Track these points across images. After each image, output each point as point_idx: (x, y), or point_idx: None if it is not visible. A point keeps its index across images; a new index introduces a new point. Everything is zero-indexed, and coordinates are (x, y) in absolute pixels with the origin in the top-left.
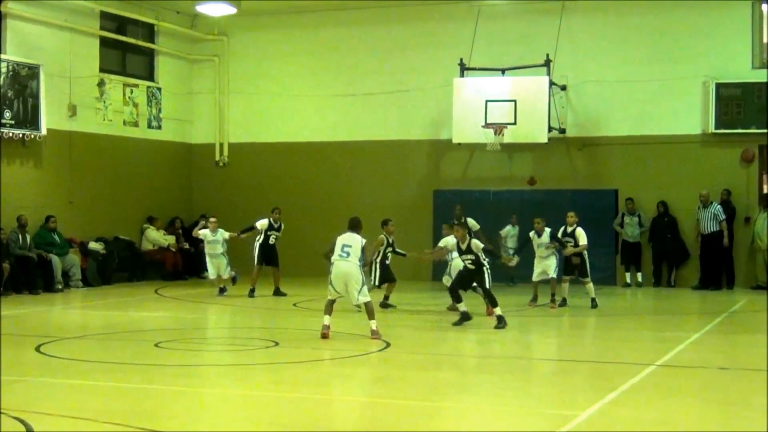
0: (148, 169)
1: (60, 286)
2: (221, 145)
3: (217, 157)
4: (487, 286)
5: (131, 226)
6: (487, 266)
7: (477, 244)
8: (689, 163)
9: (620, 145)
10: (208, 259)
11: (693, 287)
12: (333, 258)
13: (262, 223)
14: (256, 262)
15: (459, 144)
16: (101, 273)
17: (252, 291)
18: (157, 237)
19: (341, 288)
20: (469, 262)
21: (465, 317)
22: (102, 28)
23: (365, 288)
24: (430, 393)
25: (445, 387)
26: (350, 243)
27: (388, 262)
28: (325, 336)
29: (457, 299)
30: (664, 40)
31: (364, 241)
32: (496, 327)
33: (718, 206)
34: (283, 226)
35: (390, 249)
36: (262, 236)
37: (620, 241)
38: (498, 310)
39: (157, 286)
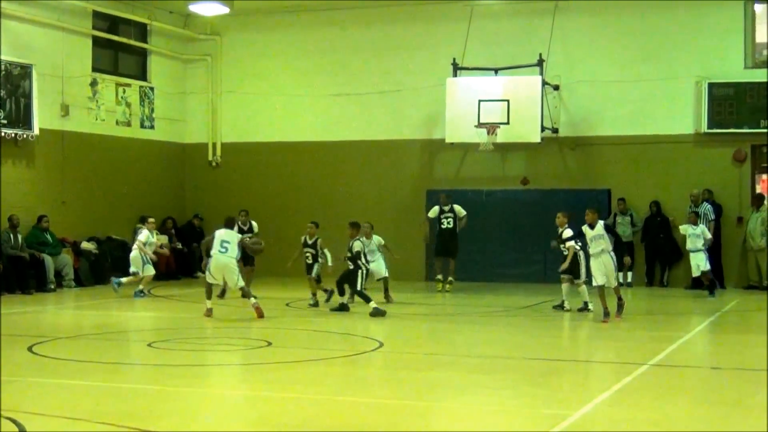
0: (140, 169)
1: (52, 286)
2: (214, 145)
3: (210, 157)
4: (358, 287)
5: (124, 226)
6: (363, 267)
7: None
8: (682, 162)
9: (613, 145)
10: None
11: (685, 287)
12: (212, 252)
13: None
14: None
15: (452, 144)
16: (94, 273)
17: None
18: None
19: (219, 278)
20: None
21: (343, 307)
22: (94, 27)
23: (239, 277)
24: (423, 393)
25: (438, 387)
26: (228, 239)
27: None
28: (209, 316)
29: (341, 292)
30: (657, 39)
31: (240, 236)
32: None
33: (709, 206)
34: (255, 225)
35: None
36: None
37: (612, 241)
38: (373, 305)
39: (150, 286)
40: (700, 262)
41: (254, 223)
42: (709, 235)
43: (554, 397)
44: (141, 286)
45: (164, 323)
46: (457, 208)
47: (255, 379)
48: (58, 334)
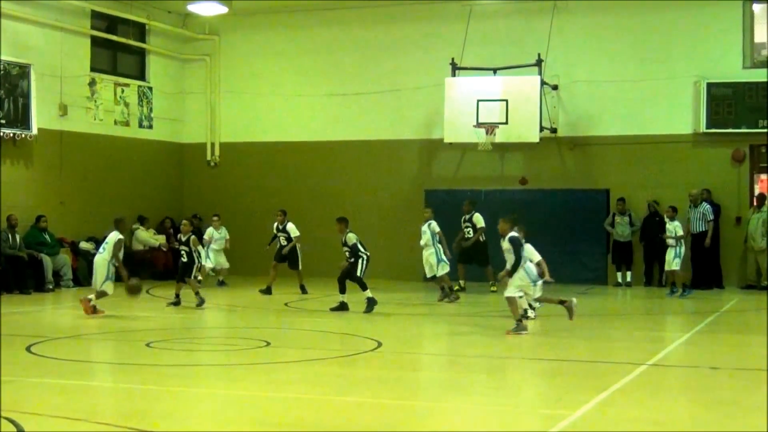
0: (139, 169)
1: (51, 286)
2: (212, 144)
3: (209, 157)
4: (358, 273)
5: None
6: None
7: (351, 238)
8: (680, 162)
9: (611, 145)
10: (211, 254)
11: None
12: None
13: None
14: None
15: (450, 144)
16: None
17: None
18: (146, 237)
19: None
20: (348, 252)
21: (343, 306)
22: (93, 27)
23: (108, 282)
24: (421, 393)
25: (436, 387)
26: (108, 240)
27: (183, 259)
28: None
29: (341, 290)
30: (656, 39)
31: (119, 237)
32: (365, 310)
33: (708, 206)
34: (292, 228)
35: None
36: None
37: (611, 240)
38: (367, 293)
39: (148, 286)
40: (669, 258)
41: (291, 225)
42: (680, 232)
43: (553, 397)
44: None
45: (162, 323)
46: (476, 218)
47: (253, 380)
48: (57, 334)
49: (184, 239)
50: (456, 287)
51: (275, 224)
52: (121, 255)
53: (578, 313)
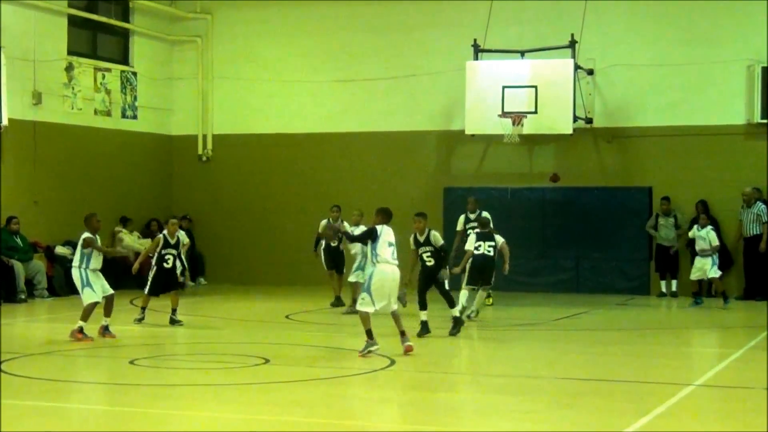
0: (122, 164)
1: (23, 296)
2: (204, 137)
3: (200, 151)
4: (447, 285)
5: (103, 229)
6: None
7: (437, 236)
8: (733, 157)
9: (654, 137)
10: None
11: (736, 297)
12: None
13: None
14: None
15: (473, 135)
16: (69, 281)
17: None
18: (130, 242)
19: None
20: (428, 255)
21: (424, 328)
22: (70, 5)
23: (86, 290)
24: (439, 417)
25: (456, 410)
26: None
27: (166, 265)
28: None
29: (422, 305)
30: (704, 18)
31: (84, 235)
32: (451, 333)
33: (763, 206)
34: (345, 225)
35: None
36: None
37: (654, 245)
38: (456, 312)
39: (133, 296)
40: (706, 267)
41: (346, 223)
42: (716, 242)
43: (587, 422)
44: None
45: (148, 338)
46: (485, 216)
47: (250, 401)
48: (30, 350)
49: (172, 242)
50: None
51: (327, 221)
52: (90, 252)
53: (614, 326)
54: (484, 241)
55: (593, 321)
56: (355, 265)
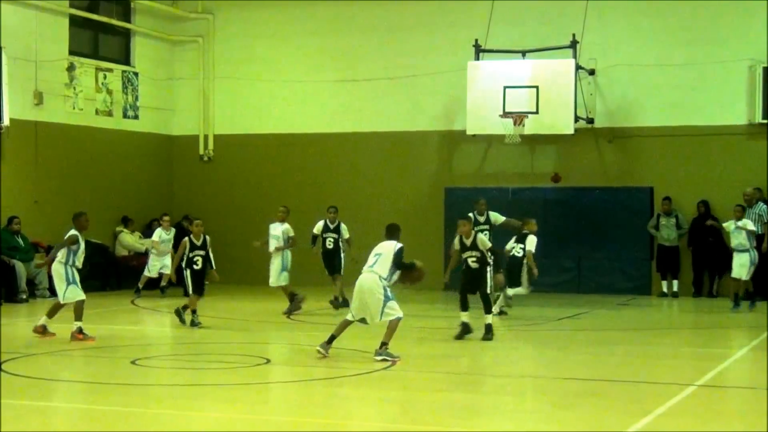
0: (123, 164)
1: (24, 296)
2: (206, 137)
3: (201, 151)
4: (488, 290)
5: (104, 229)
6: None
7: (483, 240)
8: (734, 157)
9: (656, 137)
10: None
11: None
12: None
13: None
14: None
15: (474, 136)
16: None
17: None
18: (131, 242)
19: None
20: (474, 260)
21: (465, 329)
22: (71, 5)
23: (71, 287)
24: (442, 417)
25: (459, 410)
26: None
27: (196, 267)
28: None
29: (463, 306)
30: (706, 18)
31: (70, 233)
32: (484, 338)
33: (764, 206)
34: (345, 229)
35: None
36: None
37: (656, 245)
38: (489, 318)
39: (133, 296)
40: (745, 263)
41: (344, 226)
42: (751, 226)
43: (588, 423)
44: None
45: (150, 338)
46: (493, 216)
47: (251, 401)
48: (31, 350)
49: (199, 243)
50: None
51: (323, 223)
52: (78, 250)
53: (618, 327)
54: (517, 243)
55: (594, 321)
56: (276, 269)
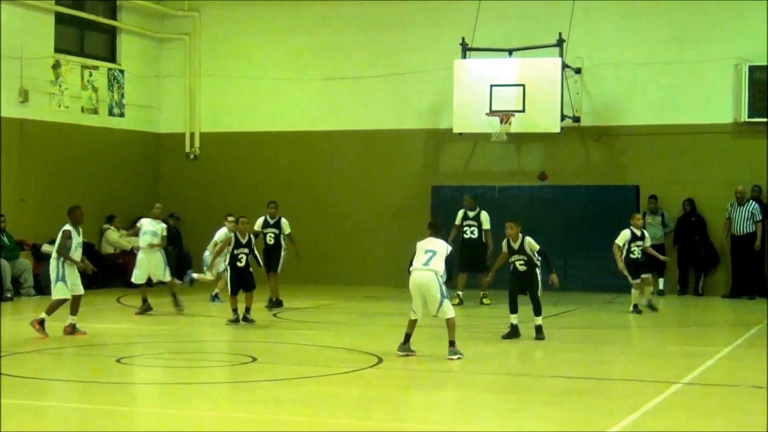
0: (109, 162)
1: (9, 294)
2: (192, 134)
3: (188, 149)
4: (538, 292)
5: (90, 227)
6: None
7: (531, 243)
8: (719, 155)
9: (642, 136)
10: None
11: (723, 295)
12: None
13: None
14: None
15: (460, 134)
16: None
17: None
18: (117, 239)
19: None
20: (521, 263)
21: (514, 332)
22: (57, 3)
23: (59, 284)
24: (427, 415)
25: (444, 408)
26: None
27: (240, 264)
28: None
29: (513, 308)
30: (692, 17)
31: (64, 228)
32: (536, 338)
33: (756, 204)
34: (285, 224)
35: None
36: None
37: None
38: (539, 320)
39: (120, 294)
40: None
41: (285, 221)
42: None
43: (576, 421)
44: (217, 290)
45: (136, 336)
46: (483, 217)
47: (238, 400)
48: (16, 349)
49: (244, 241)
50: (456, 300)
51: (263, 218)
52: (72, 245)
53: (604, 325)
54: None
55: (581, 319)
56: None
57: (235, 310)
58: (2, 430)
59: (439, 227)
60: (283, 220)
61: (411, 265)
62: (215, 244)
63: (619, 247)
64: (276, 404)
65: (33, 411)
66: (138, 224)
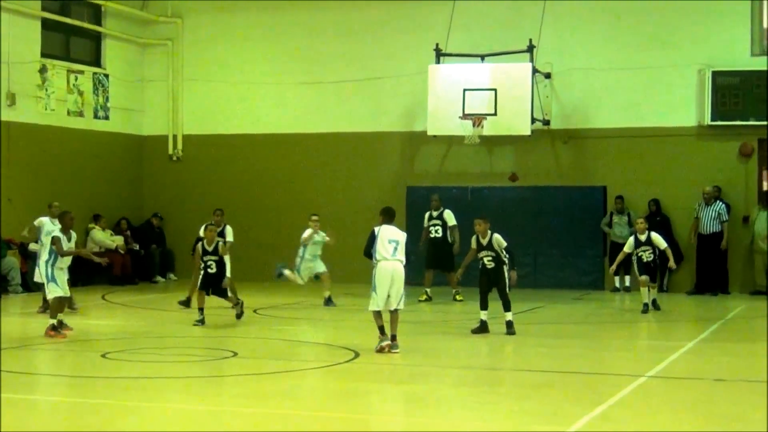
0: (94, 164)
1: None
2: (175, 137)
3: (171, 151)
4: (506, 288)
5: (75, 226)
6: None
7: (499, 239)
8: (684, 157)
9: (609, 138)
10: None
11: (687, 292)
12: None
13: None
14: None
15: (434, 136)
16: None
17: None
18: (103, 238)
19: None
20: (489, 259)
21: (483, 327)
22: (44, 8)
23: (51, 284)
24: (402, 407)
25: (418, 401)
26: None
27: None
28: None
29: (483, 305)
30: (657, 24)
31: (53, 236)
32: (507, 333)
33: (723, 205)
34: (229, 231)
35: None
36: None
37: (608, 242)
38: (509, 315)
39: (105, 291)
40: None
41: (229, 228)
42: None
43: (545, 412)
44: (328, 293)
45: (120, 332)
46: (447, 215)
47: (220, 393)
48: (3, 345)
49: (210, 248)
50: (423, 297)
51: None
52: (67, 248)
53: (572, 320)
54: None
55: (550, 315)
56: (44, 281)
57: (201, 310)
58: None
59: (393, 214)
60: (228, 228)
61: (371, 249)
62: (303, 241)
63: (625, 253)
64: (259, 398)
65: (22, 405)
66: (37, 223)
